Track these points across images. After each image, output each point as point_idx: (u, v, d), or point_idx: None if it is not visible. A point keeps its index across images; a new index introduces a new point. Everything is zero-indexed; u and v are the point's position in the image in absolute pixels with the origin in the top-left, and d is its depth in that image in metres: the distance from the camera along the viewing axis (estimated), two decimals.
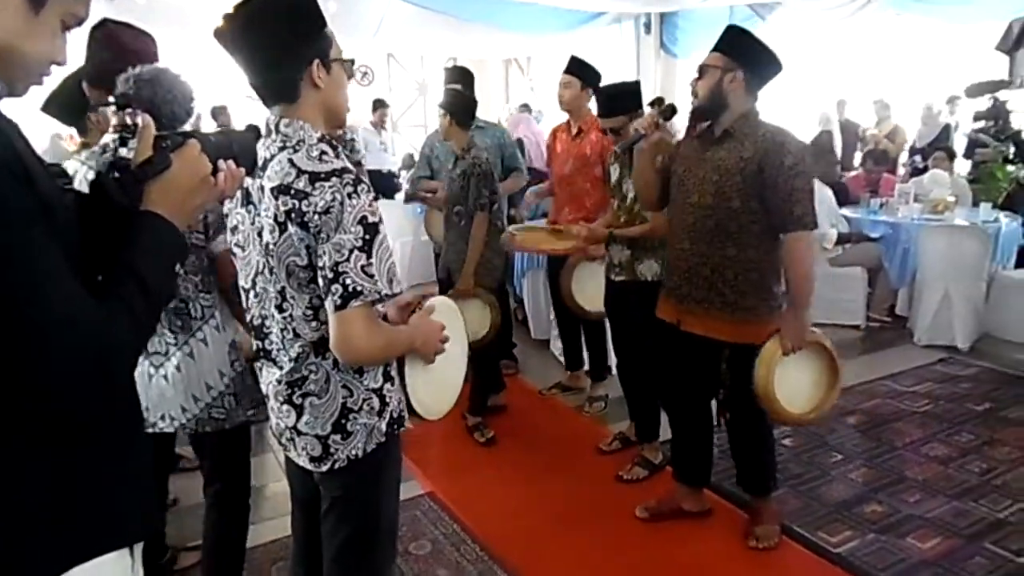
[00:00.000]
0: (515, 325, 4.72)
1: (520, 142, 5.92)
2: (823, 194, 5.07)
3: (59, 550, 0.97)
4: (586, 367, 4.03)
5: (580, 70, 3.58)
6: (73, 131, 2.30)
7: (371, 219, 1.39)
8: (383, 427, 1.57)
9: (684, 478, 2.79)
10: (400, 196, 6.34)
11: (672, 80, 8.08)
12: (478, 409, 3.61)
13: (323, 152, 1.42)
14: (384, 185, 7.62)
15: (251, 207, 1.49)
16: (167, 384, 1.97)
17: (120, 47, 1.74)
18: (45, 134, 5.46)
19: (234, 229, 1.57)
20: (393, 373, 1.60)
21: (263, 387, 1.63)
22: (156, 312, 1.06)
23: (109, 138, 1.54)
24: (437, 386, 1.73)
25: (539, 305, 4.79)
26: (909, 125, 8.03)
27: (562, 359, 4.25)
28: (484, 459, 3.44)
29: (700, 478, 2.78)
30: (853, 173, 6.19)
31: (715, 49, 2.39)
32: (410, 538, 2.77)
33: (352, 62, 1.43)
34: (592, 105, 3.54)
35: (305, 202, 1.36)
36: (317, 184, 1.37)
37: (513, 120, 7.98)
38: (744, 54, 2.34)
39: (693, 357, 2.54)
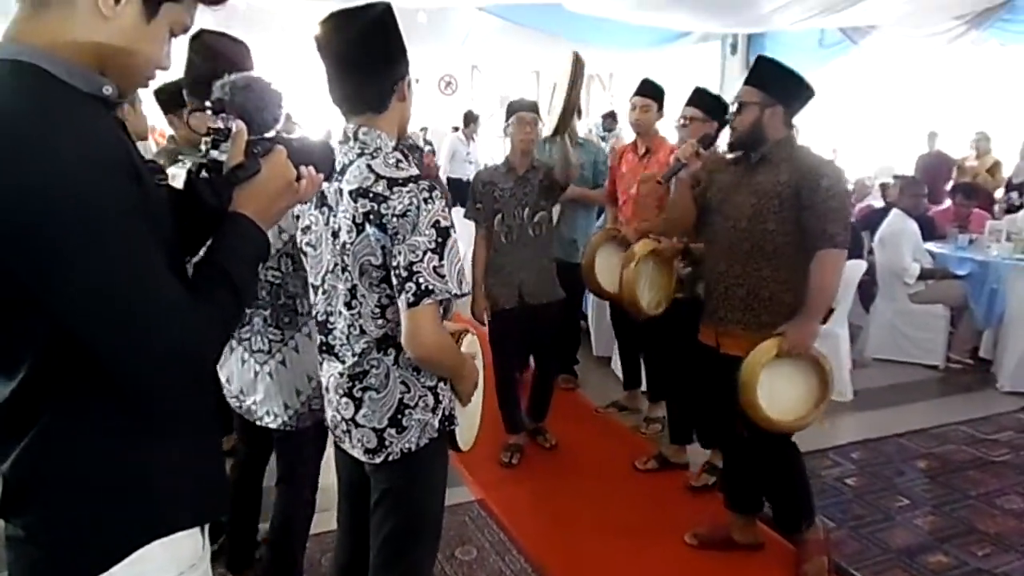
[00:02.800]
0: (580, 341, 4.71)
1: None
2: (907, 227, 4.88)
3: (133, 526, 1.01)
4: (644, 387, 4.00)
5: (655, 93, 3.60)
6: (164, 126, 2.45)
7: (443, 223, 1.46)
8: (435, 423, 1.63)
9: (734, 505, 2.74)
10: None
11: None
12: (540, 415, 3.66)
13: (398, 160, 1.51)
14: (464, 193, 7.83)
15: (326, 209, 1.57)
16: (271, 381, 2.00)
17: (215, 55, 1.80)
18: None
19: (306, 229, 1.65)
20: None
21: (323, 380, 1.70)
22: (241, 308, 1.10)
23: (203, 141, 1.65)
24: (467, 418, 1.79)
25: (603, 321, 4.74)
26: (1008, 160, 7.62)
27: (622, 377, 4.22)
28: (535, 471, 3.44)
29: (750, 505, 2.72)
30: (942, 207, 5.92)
31: (750, 83, 2.43)
32: (457, 543, 2.81)
33: (416, 81, 1.50)
34: (659, 125, 3.63)
35: (384, 205, 1.44)
36: (395, 188, 1.45)
37: None
38: (781, 89, 2.41)
39: (730, 379, 2.51)
